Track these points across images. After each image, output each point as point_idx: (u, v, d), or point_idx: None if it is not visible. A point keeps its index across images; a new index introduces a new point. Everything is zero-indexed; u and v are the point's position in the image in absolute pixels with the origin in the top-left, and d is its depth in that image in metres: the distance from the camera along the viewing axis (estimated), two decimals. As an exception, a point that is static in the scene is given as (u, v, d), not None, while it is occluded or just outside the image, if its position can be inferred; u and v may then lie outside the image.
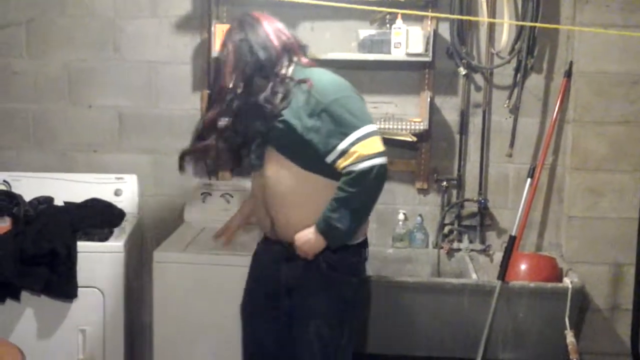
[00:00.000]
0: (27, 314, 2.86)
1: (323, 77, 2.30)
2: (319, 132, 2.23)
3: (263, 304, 2.47)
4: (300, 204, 2.32)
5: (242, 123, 2.31)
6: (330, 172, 2.26)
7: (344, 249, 2.34)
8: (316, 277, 2.35)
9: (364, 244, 2.44)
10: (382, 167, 2.21)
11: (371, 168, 2.19)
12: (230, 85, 2.28)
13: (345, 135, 2.20)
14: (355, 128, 2.20)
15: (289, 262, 2.37)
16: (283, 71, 2.31)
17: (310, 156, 2.26)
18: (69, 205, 3.10)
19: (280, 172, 2.31)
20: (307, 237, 2.29)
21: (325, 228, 2.26)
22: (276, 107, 2.25)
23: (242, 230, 2.73)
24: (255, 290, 2.51)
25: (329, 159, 2.23)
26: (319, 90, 2.24)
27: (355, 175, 2.20)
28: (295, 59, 2.35)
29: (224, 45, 2.35)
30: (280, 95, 2.27)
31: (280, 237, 2.39)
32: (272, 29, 2.35)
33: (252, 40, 2.29)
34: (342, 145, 2.20)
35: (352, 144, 2.19)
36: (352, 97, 2.29)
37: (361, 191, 2.22)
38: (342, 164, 2.22)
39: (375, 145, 2.22)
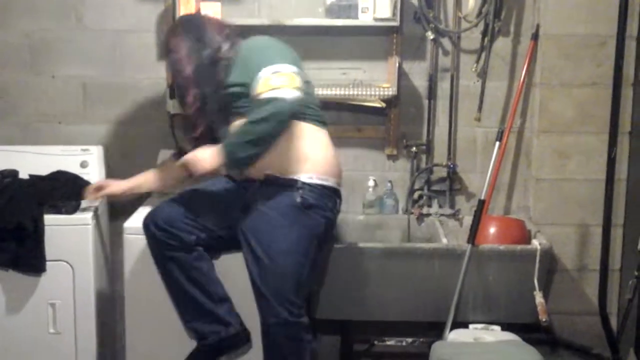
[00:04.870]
0: (-5, 291, 2.84)
1: (252, 39, 2.61)
2: (249, 72, 2.45)
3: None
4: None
5: (210, 108, 2.54)
6: None
7: (320, 189, 2.53)
8: (287, 204, 2.50)
9: (339, 193, 2.64)
10: (287, 100, 2.40)
11: (275, 99, 2.39)
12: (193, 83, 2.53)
13: (263, 66, 2.43)
14: (273, 62, 2.43)
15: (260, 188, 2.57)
16: (228, 54, 2.55)
17: None
18: (34, 178, 3.04)
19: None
20: (209, 151, 2.46)
21: (226, 151, 2.44)
22: (223, 80, 2.53)
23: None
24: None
25: (252, 92, 2.43)
26: (247, 45, 2.56)
27: (261, 104, 2.40)
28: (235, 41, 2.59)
29: (173, 50, 2.56)
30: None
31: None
32: (215, 26, 2.61)
33: (204, 41, 2.55)
34: (258, 74, 2.42)
35: (265, 74, 2.41)
36: (276, 45, 2.59)
37: (262, 120, 2.40)
38: (253, 93, 2.43)
39: (288, 80, 2.42)
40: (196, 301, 2.64)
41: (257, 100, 2.42)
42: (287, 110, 2.43)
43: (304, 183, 2.52)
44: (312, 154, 2.58)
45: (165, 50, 2.67)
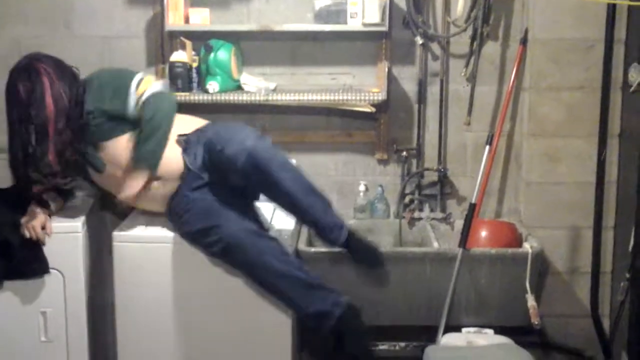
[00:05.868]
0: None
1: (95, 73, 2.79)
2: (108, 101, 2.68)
3: None
4: None
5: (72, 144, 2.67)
6: None
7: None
8: None
9: None
10: (157, 93, 2.69)
11: (149, 97, 2.66)
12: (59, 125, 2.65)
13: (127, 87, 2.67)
14: (130, 79, 2.69)
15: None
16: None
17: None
18: (14, 187, 2.95)
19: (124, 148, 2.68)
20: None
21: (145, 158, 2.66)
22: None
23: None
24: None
25: (130, 111, 2.67)
26: (93, 76, 2.76)
27: (143, 105, 2.66)
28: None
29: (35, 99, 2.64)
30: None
31: None
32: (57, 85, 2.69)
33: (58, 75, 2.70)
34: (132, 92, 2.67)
35: (137, 82, 2.68)
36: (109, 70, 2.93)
37: (153, 117, 2.65)
38: (141, 94, 2.67)
39: (149, 82, 2.70)
40: (304, 281, 2.60)
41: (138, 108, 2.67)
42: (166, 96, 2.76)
43: None
44: None
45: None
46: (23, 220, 2.77)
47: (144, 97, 2.67)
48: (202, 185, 2.66)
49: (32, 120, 2.64)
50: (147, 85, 2.70)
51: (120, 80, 2.72)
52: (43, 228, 2.77)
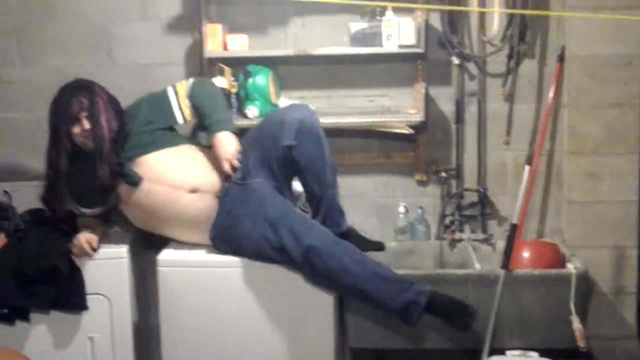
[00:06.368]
0: (34, 325, 2.85)
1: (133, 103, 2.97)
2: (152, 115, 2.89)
3: None
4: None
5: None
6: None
7: None
8: None
9: None
10: (195, 81, 2.95)
11: (190, 86, 2.91)
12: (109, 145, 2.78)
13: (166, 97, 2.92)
14: (164, 91, 2.93)
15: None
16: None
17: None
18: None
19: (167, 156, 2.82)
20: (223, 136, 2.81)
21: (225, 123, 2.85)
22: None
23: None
24: None
25: (177, 116, 2.90)
26: (133, 105, 2.95)
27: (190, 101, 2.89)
28: None
29: (92, 115, 2.78)
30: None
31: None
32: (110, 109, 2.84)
33: (110, 103, 2.85)
34: (171, 95, 2.91)
35: (172, 90, 2.92)
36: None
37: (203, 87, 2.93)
38: (183, 97, 2.90)
39: (183, 84, 2.93)
40: (381, 275, 2.59)
41: (185, 98, 2.90)
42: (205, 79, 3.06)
43: None
44: None
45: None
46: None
47: (187, 99, 2.87)
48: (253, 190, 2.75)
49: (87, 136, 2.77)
50: (182, 87, 2.91)
51: (157, 96, 2.93)
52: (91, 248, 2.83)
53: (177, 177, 2.78)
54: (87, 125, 2.77)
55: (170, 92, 2.92)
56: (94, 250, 2.83)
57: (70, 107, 2.77)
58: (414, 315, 2.56)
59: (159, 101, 2.92)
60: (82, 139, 2.79)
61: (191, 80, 2.95)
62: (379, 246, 2.87)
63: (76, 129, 2.78)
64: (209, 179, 2.79)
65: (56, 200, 2.82)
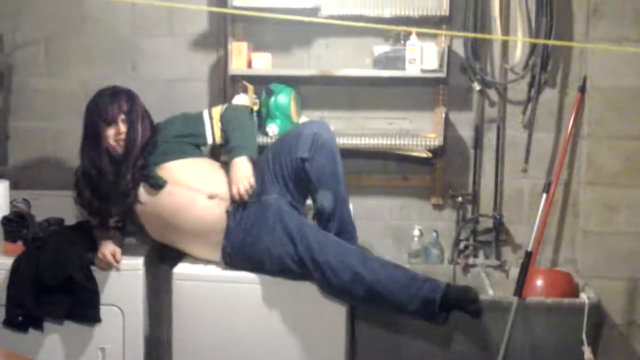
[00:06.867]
0: (47, 334, 2.88)
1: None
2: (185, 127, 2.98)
3: None
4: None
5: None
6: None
7: None
8: None
9: None
10: (229, 106, 3.07)
11: (224, 111, 3.00)
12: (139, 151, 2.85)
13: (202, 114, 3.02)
14: (200, 113, 3.03)
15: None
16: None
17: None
18: (79, 224, 3.09)
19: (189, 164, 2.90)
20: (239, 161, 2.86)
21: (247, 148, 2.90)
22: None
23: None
24: None
25: (208, 137, 2.98)
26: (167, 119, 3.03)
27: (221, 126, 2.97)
28: None
29: (130, 120, 2.84)
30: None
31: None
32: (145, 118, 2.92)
33: (145, 112, 2.93)
34: (206, 117, 2.99)
35: (207, 113, 3.01)
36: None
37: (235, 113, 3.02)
38: (217, 120, 2.98)
39: (217, 109, 3.02)
40: (395, 278, 2.59)
41: (218, 121, 2.98)
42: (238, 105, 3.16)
43: None
44: None
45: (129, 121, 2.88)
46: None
47: (219, 122, 2.96)
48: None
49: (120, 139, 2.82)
50: (217, 111, 3.00)
51: (192, 116, 3.02)
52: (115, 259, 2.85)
53: (196, 182, 2.83)
54: (123, 128, 2.83)
55: (206, 114, 3.00)
56: (118, 261, 2.85)
57: (110, 109, 2.82)
58: (433, 312, 2.55)
59: (194, 121, 3.00)
60: (113, 143, 2.83)
61: (225, 105, 3.06)
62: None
63: (111, 131, 2.83)
64: (226, 189, 2.83)
65: (102, 200, 2.85)
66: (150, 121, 2.93)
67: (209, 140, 2.98)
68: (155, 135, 2.90)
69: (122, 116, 2.83)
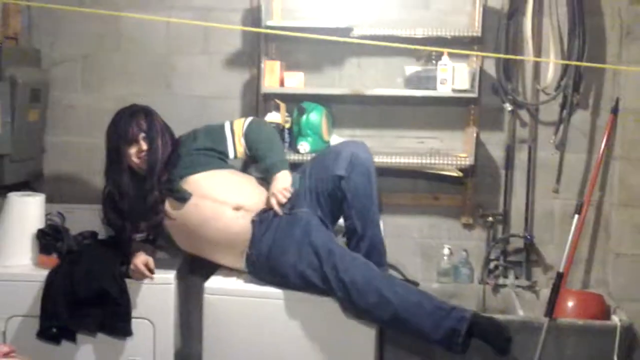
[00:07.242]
0: (79, 345, 2.91)
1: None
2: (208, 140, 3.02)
3: None
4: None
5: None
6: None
7: None
8: None
9: None
10: (253, 120, 3.07)
11: (248, 126, 3.03)
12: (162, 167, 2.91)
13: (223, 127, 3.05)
14: (221, 125, 3.06)
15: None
16: None
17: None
18: (113, 238, 3.10)
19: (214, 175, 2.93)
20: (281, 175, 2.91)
21: (281, 163, 2.95)
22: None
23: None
24: None
25: (230, 152, 3.02)
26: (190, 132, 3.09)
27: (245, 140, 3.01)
28: None
29: (151, 137, 2.91)
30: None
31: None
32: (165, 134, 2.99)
33: (165, 127, 3.01)
34: (228, 131, 3.03)
35: (229, 127, 3.04)
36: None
37: (260, 127, 3.05)
38: (240, 136, 3.02)
39: (240, 122, 3.05)
40: (422, 305, 2.59)
41: (241, 137, 3.02)
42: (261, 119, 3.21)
43: None
44: None
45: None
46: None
47: (242, 138, 2.99)
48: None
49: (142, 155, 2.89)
50: (239, 127, 3.03)
51: (214, 128, 3.05)
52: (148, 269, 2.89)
53: (222, 194, 2.87)
54: (144, 146, 2.89)
55: (227, 128, 3.04)
56: (151, 272, 2.89)
57: (130, 129, 2.89)
58: (456, 343, 2.55)
59: (216, 134, 3.03)
60: (137, 161, 2.90)
61: (248, 120, 3.06)
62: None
63: (133, 149, 2.89)
64: (252, 200, 2.88)
65: (127, 220, 2.91)
66: (171, 135, 2.99)
67: (231, 155, 3.03)
68: (178, 149, 2.96)
69: (142, 134, 2.90)
